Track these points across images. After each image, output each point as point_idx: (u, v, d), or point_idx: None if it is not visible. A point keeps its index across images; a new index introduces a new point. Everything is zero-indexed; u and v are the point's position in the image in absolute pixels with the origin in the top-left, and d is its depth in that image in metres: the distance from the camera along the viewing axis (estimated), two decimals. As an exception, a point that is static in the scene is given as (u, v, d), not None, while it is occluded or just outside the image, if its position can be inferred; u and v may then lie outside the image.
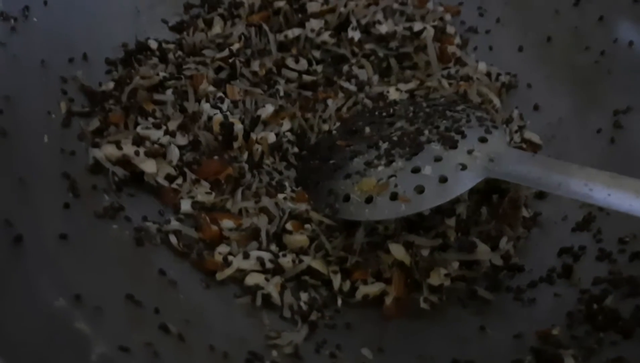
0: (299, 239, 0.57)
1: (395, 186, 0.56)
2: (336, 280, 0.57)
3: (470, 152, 0.56)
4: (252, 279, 0.55)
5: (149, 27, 0.70)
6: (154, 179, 0.59)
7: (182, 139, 0.61)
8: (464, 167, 0.55)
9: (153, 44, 0.68)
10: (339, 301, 0.57)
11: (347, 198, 0.57)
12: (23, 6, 0.58)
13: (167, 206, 0.59)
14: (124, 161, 0.58)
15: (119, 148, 0.58)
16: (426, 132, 0.60)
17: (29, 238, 0.46)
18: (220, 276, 0.55)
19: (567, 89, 0.72)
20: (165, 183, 0.59)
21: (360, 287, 0.57)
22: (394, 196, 0.55)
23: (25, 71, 0.56)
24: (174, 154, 0.60)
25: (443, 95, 0.68)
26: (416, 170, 0.56)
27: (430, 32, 0.71)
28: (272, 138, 0.64)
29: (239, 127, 0.62)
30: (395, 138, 0.60)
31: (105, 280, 0.48)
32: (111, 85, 0.63)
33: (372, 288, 0.57)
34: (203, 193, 0.59)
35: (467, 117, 0.60)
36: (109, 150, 0.58)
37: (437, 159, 0.56)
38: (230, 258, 0.55)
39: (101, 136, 0.59)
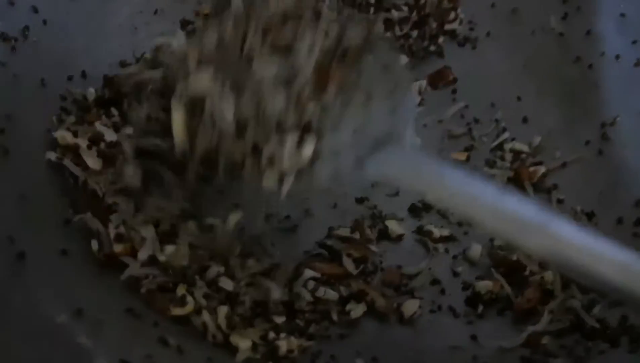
0: None
1: None
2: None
3: None
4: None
5: (146, 44, 0.71)
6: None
7: None
8: None
9: (150, 60, 0.69)
10: (335, 315, 0.57)
11: None
12: (23, 26, 0.59)
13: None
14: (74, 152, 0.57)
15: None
16: None
17: (31, 254, 0.47)
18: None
19: (555, 102, 0.73)
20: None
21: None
22: None
23: (25, 90, 0.57)
24: None
25: None
26: None
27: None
28: None
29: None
30: None
31: (105, 295, 0.50)
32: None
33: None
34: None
35: None
36: (63, 134, 0.57)
37: None
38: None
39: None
